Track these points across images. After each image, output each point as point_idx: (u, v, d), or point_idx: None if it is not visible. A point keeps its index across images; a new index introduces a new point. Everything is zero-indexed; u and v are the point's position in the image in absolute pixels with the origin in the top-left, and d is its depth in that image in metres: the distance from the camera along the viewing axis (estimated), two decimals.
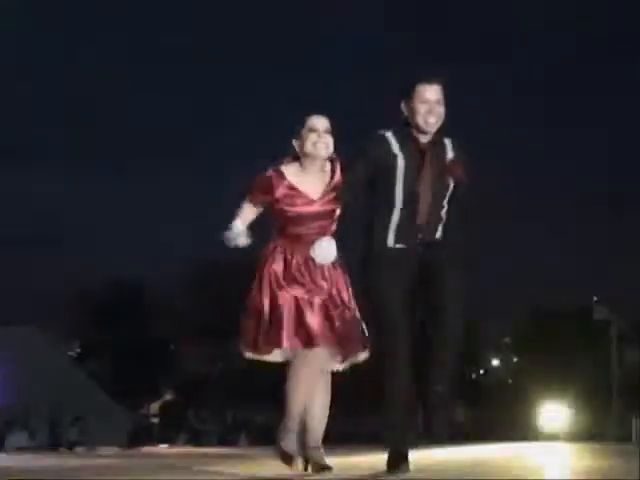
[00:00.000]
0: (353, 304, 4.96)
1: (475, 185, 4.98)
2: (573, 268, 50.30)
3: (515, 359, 47.63)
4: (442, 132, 4.92)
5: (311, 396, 4.86)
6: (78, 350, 42.37)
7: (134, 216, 58.90)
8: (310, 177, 4.97)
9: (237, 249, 5.00)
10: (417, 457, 5.06)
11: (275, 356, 4.90)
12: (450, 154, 4.93)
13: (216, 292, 37.38)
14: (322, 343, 4.80)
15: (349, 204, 4.98)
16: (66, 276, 47.91)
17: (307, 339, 4.79)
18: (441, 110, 4.86)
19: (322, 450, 4.90)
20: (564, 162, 60.46)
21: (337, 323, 4.85)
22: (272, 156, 5.10)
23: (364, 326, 4.96)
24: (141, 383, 38.63)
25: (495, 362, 49.66)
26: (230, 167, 54.78)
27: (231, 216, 5.05)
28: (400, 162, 4.81)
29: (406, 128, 4.89)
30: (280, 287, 4.88)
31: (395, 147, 4.84)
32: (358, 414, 32.55)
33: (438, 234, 4.90)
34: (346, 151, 5.02)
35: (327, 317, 4.84)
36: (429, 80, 4.85)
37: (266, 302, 4.88)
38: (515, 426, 33.50)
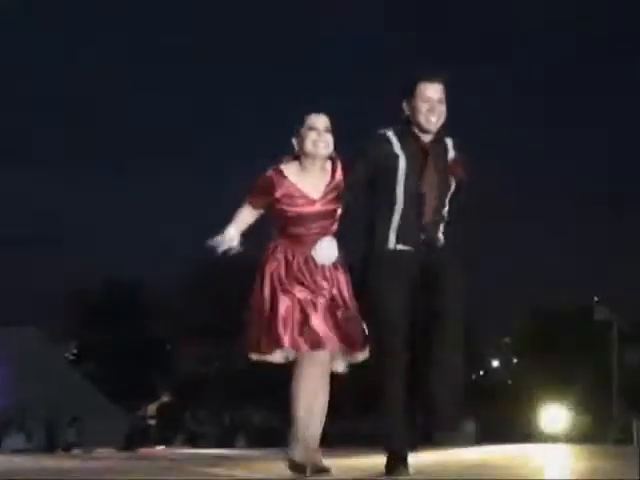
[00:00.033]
0: (353, 304, 4.91)
1: (475, 184, 4.94)
2: (573, 268, 50.31)
3: (515, 360, 47.59)
4: (443, 131, 4.88)
5: (313, 397, 4.81)
6: (74, 351, 42.32)
7: (134, 216, 58.94)
8: (311, 176, 4.93)
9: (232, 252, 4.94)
10: (416, 458, 5.01)
11: (278, 357, 4.85)
12: (451, 154, 4.90)
13: (216, 292, 37.37)
14: (327, 345, 4.77)
15: (350, 204, 4.94)
16: (66, 276, 47.96)
17: (312, 341, 4.75)
18: (443, 109, 4.83)
19: (320, 452, 4.86)
20: (564, 162, 60.49)
21: (340, 324, 4.81)
22: (272, 156, 5.06)
23: (364, 326, 4.92)
24: (138, 384, 38.59)
25: (495, 363, 49.64)
26: (230, 167, 54.82)
27: (230, 217, 5.01)
28: (401, 162, 4.78)
29: (407, 127, 4.86)
30: (282, 287, 4.84)
31: (396, 147, 4.80)
32: (357, 414, 32.51)
33: (440, 234, 4.86)
34: (346, 151, 4.99)
35: (331, 318, 4.81)
36: (431, 78, 4.82)
37: (268, 302, 4.84)
38: (515, 427, 33.43)
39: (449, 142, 4.93)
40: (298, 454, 4.79)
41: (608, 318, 35.14)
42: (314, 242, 4.88)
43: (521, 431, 32.20)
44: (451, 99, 4.88)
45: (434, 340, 4.66)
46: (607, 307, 35.44)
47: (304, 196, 4.89)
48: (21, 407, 25.82)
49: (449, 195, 4.88)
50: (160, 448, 23.65)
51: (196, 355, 40.68)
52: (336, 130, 4.94)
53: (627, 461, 6.44)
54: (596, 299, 36.54)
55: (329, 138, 4.91)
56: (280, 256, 4.91)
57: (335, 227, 4.95)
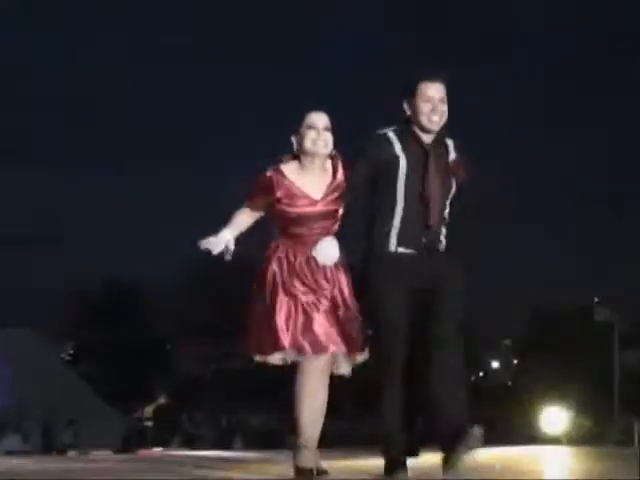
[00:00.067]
0: (354, 305, 4.87)
1: (476, 185, 4.91)
2: (573, 268, 50.37)
3: (515, 361, 47.56)
4: (444, 132, 4.84)
5: (314, 400, 4.76)
6: (70, 352, 42.28)
7: (134, 216, 58.96)
8: (311, 176, 4.89)
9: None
10: (416, 460, 4.97)
11: (278, 359, 4.81)
12: (452, 155, 4.86)
13: (216, 292, 37.38)
14: (328, 349, 4.73)
15: (351, 204, 4.90)
16: (66, 276, 47.99)
17: (314, 344, 4.71)
18: (445, 109, 4.80)
19: (318, 453, 4.84)
20: (564, 162, 60.54)
21: (342, 326, 4.78)
22: (271, 155, 5.02)
23: (364, 326, 4.88)
24: (136, 385, 38.57)
25: (495, 364, 49.63)
26: (230, 167, 54.90)
27: (229, 218, 4.97)
28: (402, 163, 4.74)
29: (408, 127, 4.81)
30: (284, 288, 4.81)
31: (397, 147, 4.76)
32: (356, 414, 32.48)
33: (442, 237, 4.82)
34: (346, 151, 4.96)
35: (333, 320, 4.77)
36: (432, 78, 4.78)
37: (270, 303, 4.80)
38: (515, 429, 33.37)
39: (450, 143, 4.89)
40: (303, 459, 4.75)
41: (609, 319, 35.08)
42: (315, 242, 4.84)
43: (521, 433, 32.13)
44: (451, 99, 4.84)
45: (433, 340, 4.62)
46: (608, 308, 35.38)
47: (305, 196, 4.85)
48: (17, 408, 25.78)
49: (450, 197, 4.84)
50: (157, 450, 23.59)
51: (196, 355, 40.68)
52: (336, 129, 4.90)
53: (627, 462, 6.42)
54: (596, 300, 36.47)
55: (328, 137, 4.87)
56: (282, 256, 4.87)
57: (336, 227, 4.90)
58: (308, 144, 4.84)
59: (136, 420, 37.84)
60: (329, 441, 5.96)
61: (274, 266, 4.86)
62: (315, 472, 4.76)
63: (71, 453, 19.20)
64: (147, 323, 41.26)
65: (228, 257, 4.90)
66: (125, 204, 60.25)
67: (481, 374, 48.25)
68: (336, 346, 4.75)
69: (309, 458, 4.75)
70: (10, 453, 17.75)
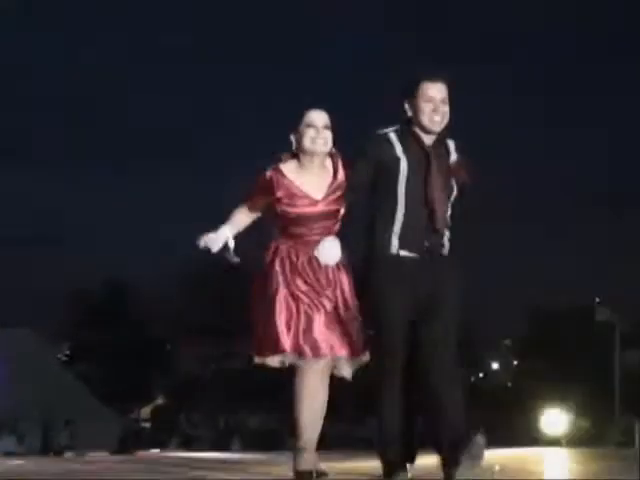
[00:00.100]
0: (355, 305, 4.83)
1: (476, 186, 4.87)
2: (573, 268, 50.40)
3: (515, 362, 47.52)
4: (445, 132, 4.80)
5: (314, 403, 4.73)
6: (67, 352, 42.24)
7: (134, 216, 58.99)
8: (310, 175, 4.84)
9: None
10: (415, 461, 4.94)
11: (277, 361, 4.76)
12: (453, 156, 4.82)
13: (216, 292, 37.36)
14: (329, 352, 4.69)
15: (352, 205, 4.87)
16: (66, 276, 48.00)
17: (314, 347, 4.67)
18: (446, 109, 4.75)
19: (317, 455, 4.79)
20: (564, 162, 60.61)
21: (343, 328, 4.74)
22: (271, 153, 4.98)
23: (364, 327, 4.84)
24: (135, 385, 38.54)
25: (495, 365, 49.59)
26: (230, 167, 54.93)
27: (227, 218, 4.93)
28: (403, 165, 4.70)
29: (408, 127, 4.77)
30: (287, 288, 4.76)
31: (398, 149, 4.72)
32: (356, 416, 32.46)
33: (445, 240, 4.78)
34: (346, 151, 4.91)
35: (334, 322, 4.73)
36: (433, 78, 4.74)
37: (271, 304, 4.75)
38: (515, 431, 33.34)
39: (451, 144, 4.85)
40: (302, 462, 4.71)
41: (609, 319, 35.06)
42: (317, 242, 4.80)
43: (521, 434, 32.12)
44: (451, 99, 4.79)
45: (432, 343, 4.59)
46: (609, 308, 35.35)
47: (306, 196, 4.80)
48: (13, 409, 25.74)
49: (452, 198, 4.80)
50: (154, 451, 23.57)
51: (196, 355, 40.68)
52: (335, 127, 4.86)
53: (627, 463, 6.41)
54: (598, 300, 36.44)
55: (328, 135, 4.82)
56: (284, 256, 4.82)
57: (337, 227, 4.87)
58: (307, 143, 4.79)
59: (133, 421, 37.82)
60: (329, 443, 5.94)
61: (276, 266, 4.81)
62: (314, 474, 4.72)
63: (68, 454, 19.15)
64: (147, 323, 41.26)
65: (236, 259, 4.86)
66: (125, 204, 60.37)
67: (481, 375, 48.21)
68: (337, 350, 4.71)
69: (308, 460, 4.72)
70: (5, 455, 17.69)
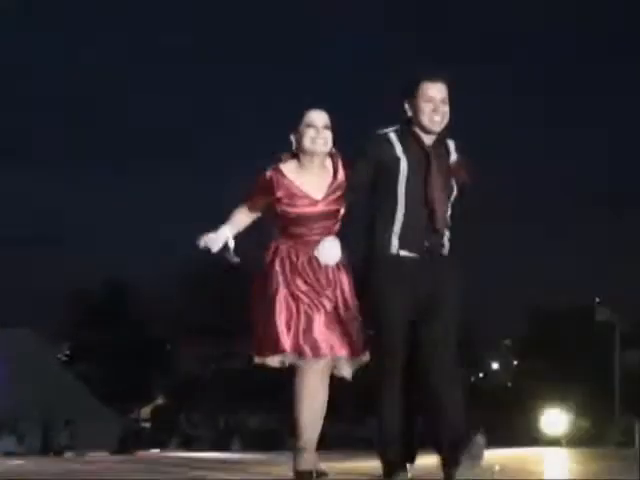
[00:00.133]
0: (355, 305, 4.82)
1: (476, 186, 4.86)
2: (573, 268, 50.39)
3: (515, 362, 47.49)
4: (446, 132, 4.79)
5: (314, 403, 4.72)
6: (67, 352, 42.19)
7: (134, 216, 58.98)
8: (310, 175, 4.83)
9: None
10: (415, 461, 4.93)
11: (277, 361, 4.75)
12: (453, 156, 4.81)
13: (216, 292, 37.34)
14: (328, 352, 4.68)
15: (352, 205, 4.86)
16: (66, 276, 47.99)
17: (314, 348, 4.67)
18: (446, 109, 4.74)
19: (317, 455, 4.78)
20: (564, 162, 60.59)
21: (343, 328, 4.73)
22: (270, 153, 4.97)
23: (364, 327, 4.83)
24: (135, 385, 38.51)
25: (495, 365, 49.56)
26: (230, 167, 54.92)
27: (227, 218, 4.92)
28: (403, 165, 4.69)
29: (408, 127, 4.76)
30: (287, 289, 4.75)
31: (398, 149, 4.71)
32: (356, 416, 32.44)
33: (446, 240, 4.78)
34: (346, 151, 4.90)
35: (334, 323, 4.72)
36: (434, 78, 4.73)
37: (272, 304, 4.74)
38: (515, 431, 33.32)
39: (451, 144, 4.84)
40: (302, 462, 4.71)
41: (610, 319, 35.02)
42: (317, 242, 4.79)
43: (521, 434, 32.10)
44: (451, 99, 4.78)
45: (431, 343, 4.58)
46: (609, 308, 35.32)
47: (306, 196, 4.79)
48: (13, 409, 25.71)
49: (452, 199, 4.80)
50: (154, 451, 23.54)
51: (196, 355, 40.65)
52: (335, 127, 4.85)
53: (627, 463, 6.40)
54: (598, 300, 36.41)
55: (328, 135, 4.81)
56: (284, 256, 4.81)
57: (337, 227, 4.86)
58: (307, 143, 4.78)
59: (133, 421, 37.78)
60: (329, 443, 5.93)
61: (276, 266, 4.80)
62: (314, 474, 4.72)
63: (67, 454, 19.13)
64: (147, 323, 41.23)
65: (236, 259, 4.85)
66: (125, 204, 60.38)
67: (481, 375, 48.17)
68: (337, 350, 4.70)
69: (308, 460, 4.71)
70: (5, 455, 17.66)
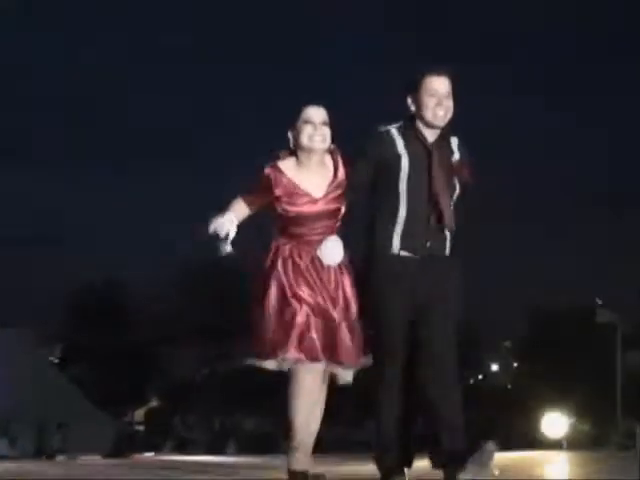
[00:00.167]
0: (356, 306, 4.75)
1: (477, 186, 4.79)
2: (573, 268, 50.38)
3: (515, 364, 47.45)
4: (449, 128, 4.70)
5: (311, 406, 4.65)
6: (60, 355, 42.07)
7: (134, 216, 58.98)
8: (309, 172, 4.74)
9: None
10: (415, 463, 4.86)
11: (273, 364, 4.67)
12: (457, 154, 4.73)
13: (216, 292, 37.34)
14: (329, 356, 4.62)
15: (353, 204, 4.79)
16: (66, 276, 47.93)
17: (313, 352, 4.59)
18: (450, 104, 4.67)
19: (313, 458, 4.72)
20: (564, 162, 60.54)
21: (345, 332, 4.66)
22: (269, 151, 4.89)
23: (365, 327, 4.76)
24: (127, 388, 38.41)
25: (494, 367, 49.52)
26: (230, 167, 54.72)
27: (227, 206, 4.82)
28: (404, 162, 4.61)
29: (410, 124, 4.69)
30: (289, 290, 4.66)
31: (399, 145, 4.64)
32: (353, 419, 32.41)
33: (447, 240, 4.71)
34: (346, 151, 4.82)
35: (337, 327, 4.65)
36: (438, 72, 4.66)
37: (273, 306, 4.66)
38: (515, 433, 33.28)
39: (454, 142, 4.77)
40: (295, 462, 4.65)
41: (611, 320, 34.95)
42: (319, 242, 4.71)
43: (521, 436, 32.06)
44: (455, 94, 4.71)
45: (430, 343, 4.52)
46: (609, 309, 35.26)
47: (306, 194, 4.70)
48: (5, 411, 25.61)
49: (454, 198, 4.71)
50: (149, 455, 23.43)
51: (194, 356, 40.60)
52: (334, 123, 4.76)
53: (628, 464, 6.37)
54: (599, 302, 36.31)
55: (326, 131, 4.72)
56: (286, 256, 4.72)
57: (338, 226, 4.77)
58: (304, 140, 4.69)
59: (127, 424, 37.66)
60: (326, 447, 5.87)
61: (278, 267, 4.71)
62: (309, 476, 4.64)
63: (59, 458, 19.02)
64: (144, 324, 41.18)
65: (229, 249, 4.73)
66: (125, 204, 60.35)
67: (480, 377, 48.12)
68: (336, 354, 4.63)
69: (301, 460, 4.65)
70: None
